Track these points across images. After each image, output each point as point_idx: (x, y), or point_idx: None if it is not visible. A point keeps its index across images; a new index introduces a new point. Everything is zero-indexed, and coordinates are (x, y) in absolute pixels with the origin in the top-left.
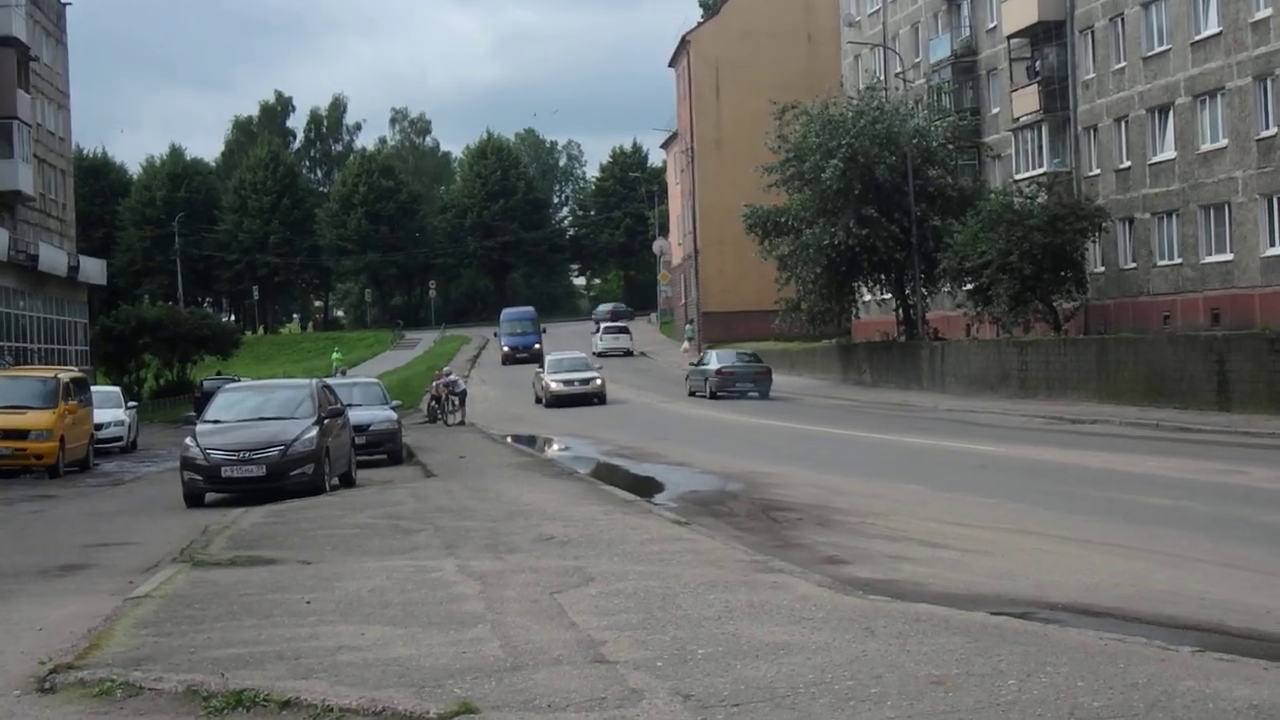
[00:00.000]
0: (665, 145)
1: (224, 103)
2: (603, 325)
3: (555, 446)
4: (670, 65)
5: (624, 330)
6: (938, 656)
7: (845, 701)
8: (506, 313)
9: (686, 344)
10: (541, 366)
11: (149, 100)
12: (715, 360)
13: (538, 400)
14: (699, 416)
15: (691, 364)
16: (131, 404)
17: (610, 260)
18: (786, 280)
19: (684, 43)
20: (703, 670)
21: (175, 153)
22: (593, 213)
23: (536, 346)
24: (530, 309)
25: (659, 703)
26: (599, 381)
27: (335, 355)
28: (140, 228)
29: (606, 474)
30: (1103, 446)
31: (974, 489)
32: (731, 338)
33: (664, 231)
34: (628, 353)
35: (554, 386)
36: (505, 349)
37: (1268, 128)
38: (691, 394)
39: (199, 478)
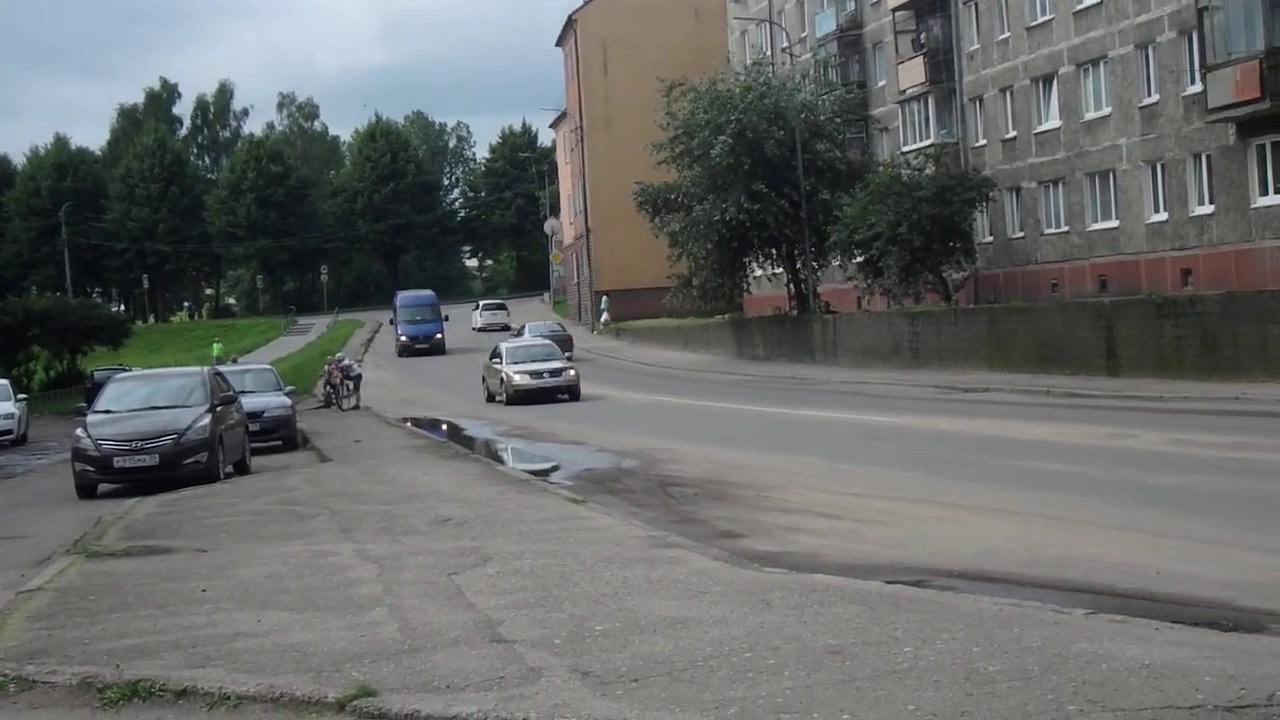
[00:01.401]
0: (555, 125)
1: (108, 90)
2: (482, 303)
3: (449, 428)
4: (558, 45)
5: (501, 307)
6: (834, 626)
7: (743, 673)
8: (403, 296)
9: (605, 318)
10: (496, 356)
11: (31, 89)
12: (528, 332)
13: (491, 398)
14: (589, 394)
15: (512, 334)
16: (21, 396)
17: (502, 241)
18: (678, 257)
19: (571, 21)
20: (601, 647)
21: (60, 142)
22: (483, 194)
23: (438, 336)
24: (429, 293)
25: (557, 680)
26: (572, 373)
27: (216, 347)
28: (26, 218)
29: (501, 454)
30: (995, 414)
31: (868, 459)
32: (627, 315)
33: (555, 211)
34: (506, 328)
35: (518, 380)
36: (402, 339)
37: (1150, 95)
38: None
39: (91, 469)
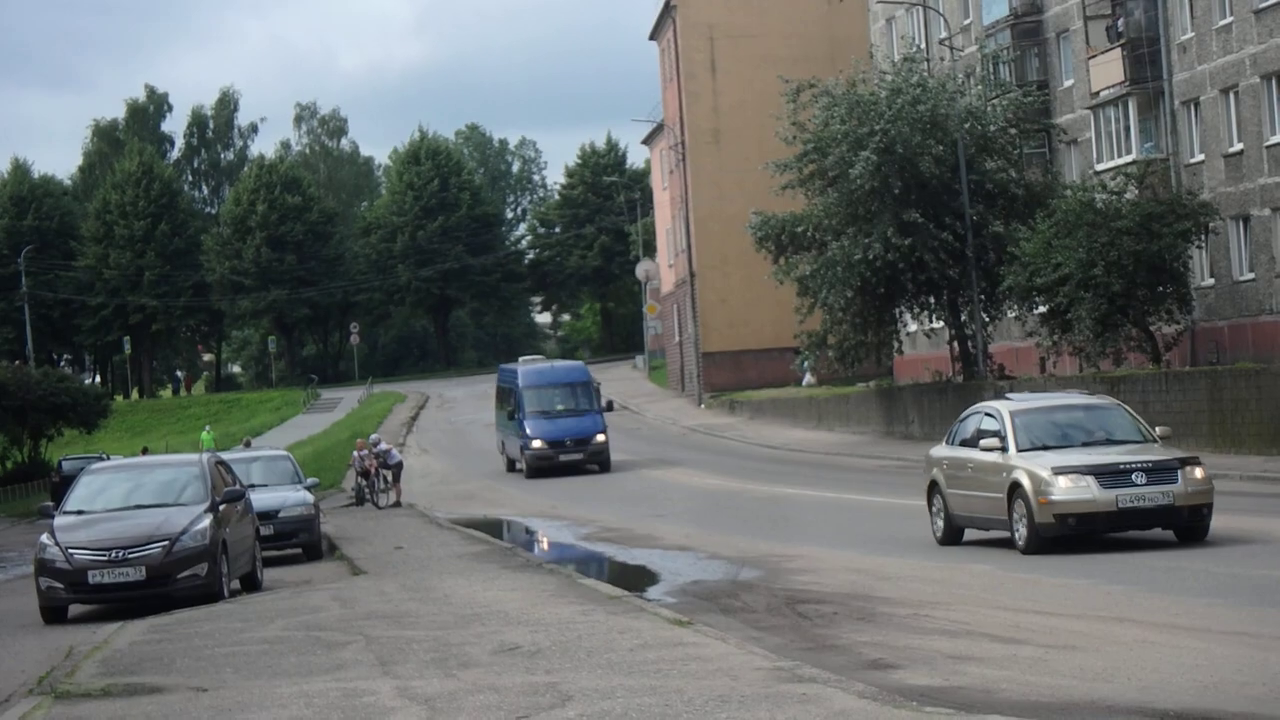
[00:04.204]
0: (648, 140)
1: (79, 103)
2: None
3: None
4: (652, 37)
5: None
6: None
7: None
8: (528, 372)
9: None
10: (985, 432)
11: None
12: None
13: (954, 533)
14: (698, 487)
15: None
16: None
17: (582, 290)
18: (809, 308)
19: (669, 7)
20: None
21: (19, 169)
22: (558, 230)
23: (600, 438)
24: (576, 364)
25: None
26: (1199, 475)
27: (206, 436)
28: None
29: (585, 564)
30: (1222, 508)
31: (1058, 568)
32: (741, 384)
33: (650, 251)
34: None
35: (1064, 491)
36: (535, 445)
37: None
38: None
39: (60, 585)
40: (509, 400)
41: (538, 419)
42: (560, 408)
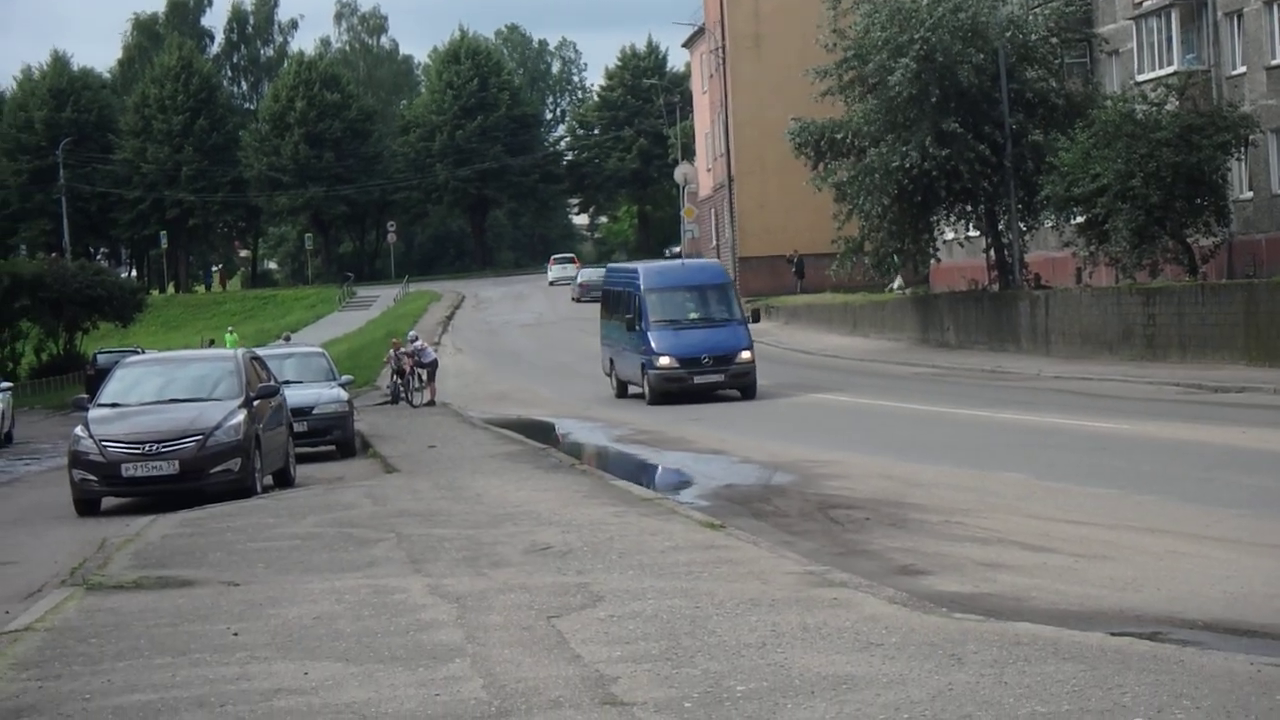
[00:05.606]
0: (689, 44)
1: None
2: (554, 257)
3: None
4: None
5: (571, 260)
6: (1044, 690)
7: None
8: (651, 272)
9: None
10: None
11: None
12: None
13: None
14: (732, 391)
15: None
16: (5, 385)
17: (620, 192)
18: (847, 215)
19: None
20: (743, 712)
21: (59, 62)
22: (596, 132)
23: (745, 355)
24: (712, 263)
25: None
26: None
27: (230, 337)
28: (14, 158)
29: (618, 465)
30: (1254, 421)
31: (1089, 477)
32: (777, 289)
33: (688, 155)
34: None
35: None
36: (662, 363)
37: None
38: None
39: (93, 478)
40: (624, 306)
41: (664, 330)
42: (694, 316)
